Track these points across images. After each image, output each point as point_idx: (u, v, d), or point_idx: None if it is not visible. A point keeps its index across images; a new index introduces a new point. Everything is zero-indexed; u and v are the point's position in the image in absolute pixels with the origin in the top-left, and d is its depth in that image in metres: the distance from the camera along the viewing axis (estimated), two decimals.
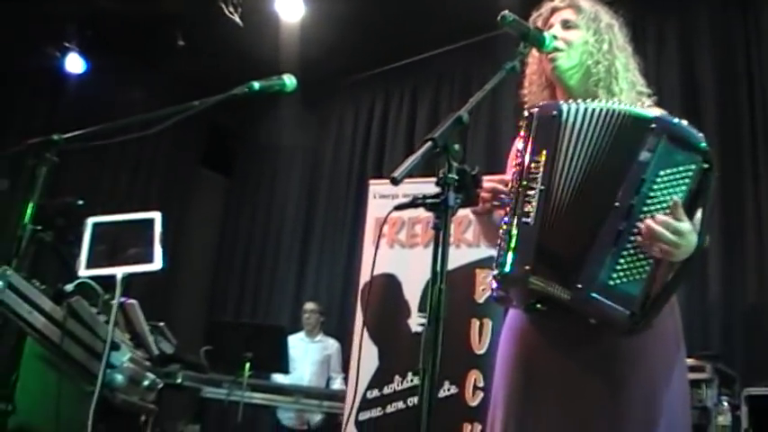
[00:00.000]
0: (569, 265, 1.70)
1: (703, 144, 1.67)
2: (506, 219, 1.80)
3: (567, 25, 1.99)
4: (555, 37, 1.95)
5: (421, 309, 4.83)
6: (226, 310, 8.38)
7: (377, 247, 4.90)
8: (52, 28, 7.03)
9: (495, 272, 1.79)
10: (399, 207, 1.72)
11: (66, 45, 7.12)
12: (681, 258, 1.67)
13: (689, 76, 5.65)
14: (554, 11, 2.04)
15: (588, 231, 1.70)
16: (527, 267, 1.73)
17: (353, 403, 4.69)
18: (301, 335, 6.45)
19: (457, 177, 1.56)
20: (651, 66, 4.96)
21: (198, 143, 8.88)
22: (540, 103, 1.91)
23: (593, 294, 1.66)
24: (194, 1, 6.56)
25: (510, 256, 1.75)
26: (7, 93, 7.12)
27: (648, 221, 1.63)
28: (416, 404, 1.44)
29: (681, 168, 1.67)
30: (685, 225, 1.64)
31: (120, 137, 2.74)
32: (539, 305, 1.82)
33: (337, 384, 6.22)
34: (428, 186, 1.62)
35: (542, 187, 1.74)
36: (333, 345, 6.44)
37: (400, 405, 4.74)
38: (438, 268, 1.51)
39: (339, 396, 5.60)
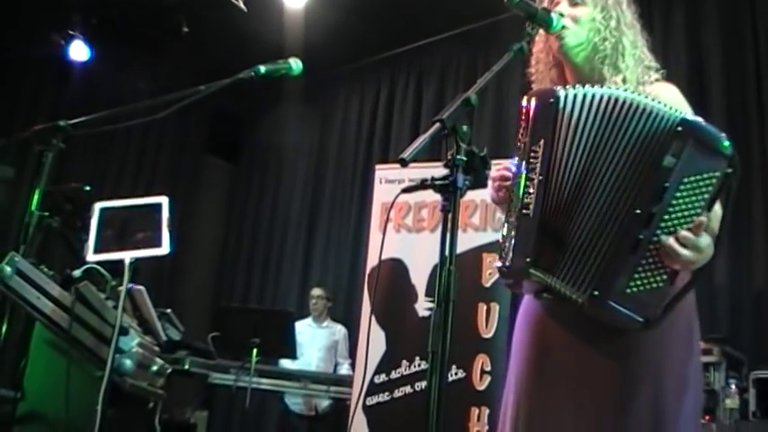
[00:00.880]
0: (578, 264, 1.68)
1: (728, 148, 1.61)
2: (508, 208, 1.79)
3: (574, 2, 1.95)
4: (562, 14, 1.91)
5: (428, 293, 4.83)
6: (233, 296, 8.38)
7: (384, 232, 4.90)
8: (57, 16, 7.02)
9: (498, 263, 1.77)
10: (408, 189, 1.72)
11: (71, 33, 7.09)
12: (698, 266, 1.66)
13: (696, 58, 5.61)
14: None
15: (598, 231, 1.67)
16: (527, 260, 1.71)
17: (361, 388, 4.71)
18: (309, 320, 6.46)
19: (465, 159, 1.55)
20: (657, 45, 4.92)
21: (204, 130, 8.86)
22: (539, 89, 1.89)
23: (611, 302, 1.64)
24: None
25: (510, 247, 1.74)
26: (12, 80, 7.12)
27: (671, 241, 1.60)
28: (424, 388, 1.44)
29: (705, 175, 1.61)
30: (705, 240, 1.62)
31: (126, 122, 2.74)
32: (545, 294, 1.81)
33: (344, 370, 6.24)
34: (434, 171, 1.62)
35: (541, 177, 1.71)
36: (340, 330, 6.44)
37: (408, 390, 4.76)
38: (447, 250, 1.51)
39: (346, 381, 5.62)
